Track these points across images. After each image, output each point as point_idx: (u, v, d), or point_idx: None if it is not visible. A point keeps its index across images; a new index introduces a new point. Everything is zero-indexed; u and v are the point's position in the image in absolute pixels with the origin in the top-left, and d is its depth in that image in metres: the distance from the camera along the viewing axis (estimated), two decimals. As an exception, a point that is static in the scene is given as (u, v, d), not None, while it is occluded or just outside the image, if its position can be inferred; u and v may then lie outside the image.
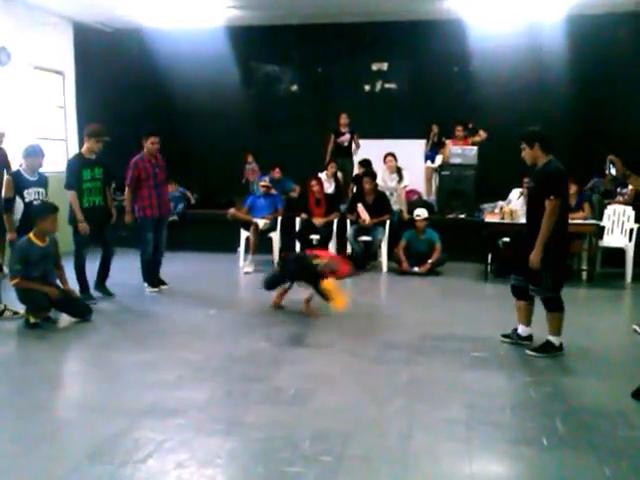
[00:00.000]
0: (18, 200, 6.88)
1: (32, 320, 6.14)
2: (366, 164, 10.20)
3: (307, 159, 10.84)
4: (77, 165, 7.17)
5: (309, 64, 12.07)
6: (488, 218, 8.89)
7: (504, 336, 5.79)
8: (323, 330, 6.22)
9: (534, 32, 10.66)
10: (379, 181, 9.81)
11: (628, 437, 3.86)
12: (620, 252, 8.76)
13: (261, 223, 9.35)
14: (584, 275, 8.70)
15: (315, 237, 9.49)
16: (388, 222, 9.40)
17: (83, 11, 10.69)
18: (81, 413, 4.23)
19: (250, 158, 11.51)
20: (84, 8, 10.47)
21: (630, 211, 8.90)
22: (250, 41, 11.77)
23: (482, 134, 10.71)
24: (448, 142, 10.64)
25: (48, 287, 6.23)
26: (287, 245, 9.66)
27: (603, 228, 8.91)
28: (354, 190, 10.30)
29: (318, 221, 9.61)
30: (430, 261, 9.00)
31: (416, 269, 8.97)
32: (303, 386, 4.63)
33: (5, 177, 6.93)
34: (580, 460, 3.56)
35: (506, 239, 8.74)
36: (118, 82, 11.63)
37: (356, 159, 10.90)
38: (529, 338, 5.61)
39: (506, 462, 3.63)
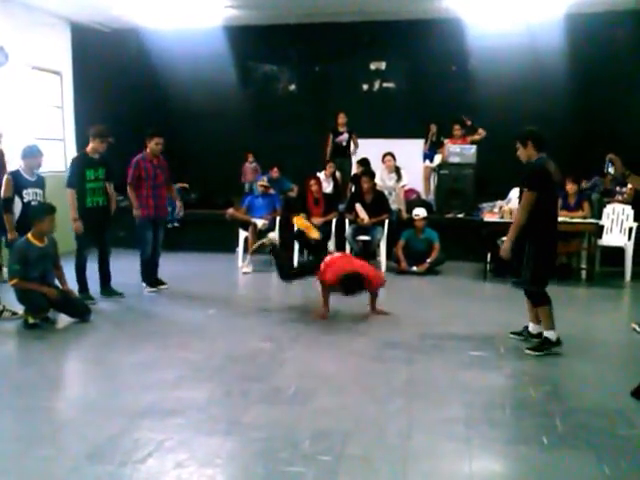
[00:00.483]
0: (17, 200, 6.88)
1: (31, 320, 6.13)
2: (365, 163, 10.18)
3: (305, 159, 10.84)
4: (81, 164, 7.16)
5: (307, 63, 12.06)
6: (487, 217, 8.89)
7: (513, 333, 5.81)
8: (322, 329, 6.22)
9: (532, 31, 10.65)
10: (378, 180, 9.80)
11: (627, 436, 3.86)
12: (619, 251, 8.77)
13: (259, 223, 9.34)
14: (583, 274, 8.70)
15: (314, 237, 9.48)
16: (387, 221, 9.39)
17: (81, 11, 10.68)
18: (80, 413, 4.22)
19: (251, 157, 11.52)
20: (82, 8, 10.46)
21: (629, 210, 8.90)
22: (248, 41, 11.76)
23: (481, 132, 10.69)
24: (447, 142, 10.64)
25: (47, 287, 6.23)
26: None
27: (602, 227, 8.92)
28: (352, 190, 10.29)
29: (317, 221, 9.60)
30: (429, 260, 9.00)
31: (415, 268, 8.97)
32: (302, 386, 4.63)
33: (5, 177, 6.93)
34: (579, 459, 3.56)
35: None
36: (116, 82, 11.61)
37: (354, 158, 10.89)
38: (539, 336, 5.62)
39: (506, 461, 3.63)
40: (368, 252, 9.52)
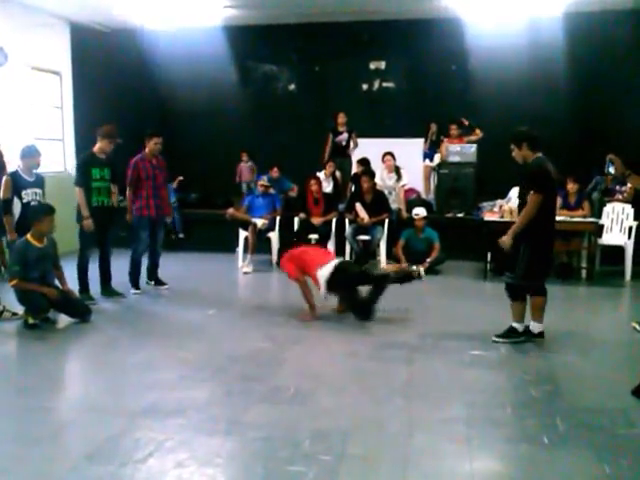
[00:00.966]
0: (16, 201, 6.88)
1: (31, 321, 6.12)
2: (364, 163, 10.18)
3: (305, 158, 10.83)
4: (88, 163, 7.16)
5: (306, 63, 12.05)
6: (487, 216, 8.89)
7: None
8: (322, 329, 6.22)
9: (531, 30, 10.64)
10: (378, 180, 9.80)
11: (628, 435, 3.87)
12: (619, 250, 8.77)
13: (259, 223, 9.34)
14: (583, 273, 8.71)
15: (314, 236, 9.48)
16: (387, 221, 9.39)
17: (80, 11, 10.67)
18: (81, 413, 4.22)
19: (245, 157, 11.52)
20: (81, 8, 10.45)
21: (629, 209, 8.91)
22: (247, 40, 11.75)
23: (478, 132, 10.69)
24: (445, 140, 10.64)
25: (47, 288, 6.22)
26: (286, 245, 9.65)
27: (602, 226, 8.92)
28: (352, 189, 10.29)
29: (317, 220, 9.61)
30: (429, 260, 9.00)
31: (415, 268, 8.96)
32: (303, 385, 4.63)
33: (4, 178, 6.93)
34: (580, 458, 3.56)
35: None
36: (115, 82, 11.60)
37: (354, 158, 10.88)
38: (541, 335, 5.67)
39: (506, 460, 3.63)
40: (368, 252, 9.53)
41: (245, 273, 9.02)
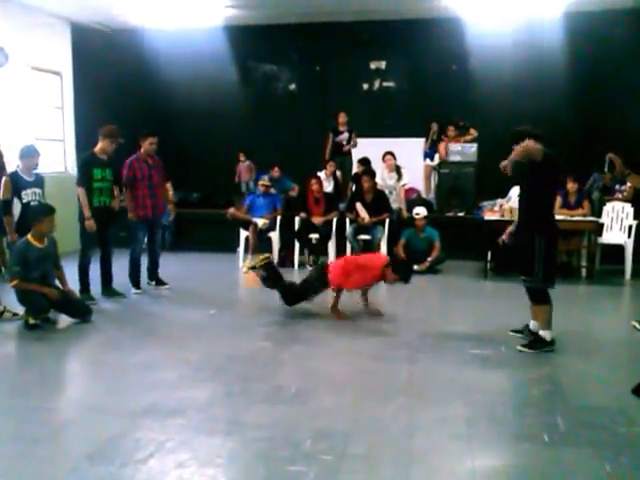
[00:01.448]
0: (15, 201, 6.88)
1: (32, 321, 6.12)
2: (365, 163, 10.18)
3: (306, 158, 10.84)
4: (89, 163, 7.16)
5: (307, 63, 12.07)
6: (487, 216, 8.89)
7: (514, 331, 5.81)
8: (323, 329, 6.22)
9: (532, 29, 10.66)
10: (378, 180, 9.81)
11: (628, 433, 3.87)
12: (619, 249, 8.77)
13: (260, 222, 9.35)
14: (583, 272, 8.71)
15: (314, 236, 9.49)
16: (387, 221, 9.40)
17: (81, 11, 10.68)
18: (81, 414, 4.22)
19: (242, 156, 11.54)
20: (82, 8, 10.46)
21: (629, 208, 8.92)
22: (248, 40, 11.76)
23: (473, 132, 10.73)
24: (444, 140, 10.66)
25: (47, 288, 6.22)
26: (286, 244, 9.67)
27: (602, 225, 8.92)
28: (353, 189, 10.30)
29: (317, 220, 9.61)
30: (430, 259, 9.01)
31: (416, 267, 8.95)
32: (303, 385, 4.63)
33: (3, 179, 6.93)
34: (581, 456, 3.56)
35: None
36: (116, 82, 11.61)
37: (354, 157, 10.88)
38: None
39: (508, 459, 3.62)
40: (369, 251, 9.53)
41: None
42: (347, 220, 9.57)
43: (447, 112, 10.94)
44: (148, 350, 5.52)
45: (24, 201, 6.88)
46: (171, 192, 10.98)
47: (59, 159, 11.12)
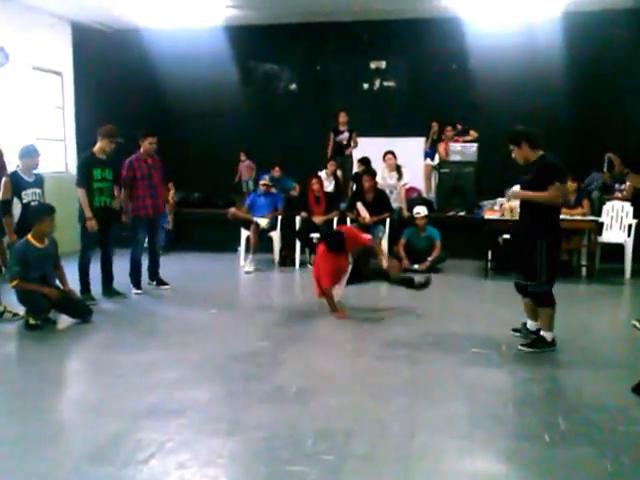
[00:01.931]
0: (15, 201, 6.88)
1: (32, 321, 6.13)
2: (365, 162, 10.18)
3: (306, 158, 10.84)
4: (88, 164, 7.16)
5: (307, 63, 12.05)
6: (488, 215, 8.89)
7: (514, 330, 5.82)
8: (324, 328, 6.23)
9: (531, 29, 10.64)
10: (379, 179, 9.80)
11: (629, 432, 3.87)
12: (619, 248, 8.77)
13: (261, 222, 9.35)
14: (583, 271, 8.71)
15: (315, 236, 9.49)
16: (388, 220, 9.40)
17: (81, 12, 10.67)
18: (82, 414, 4.23)
19: (243, 156, 11.55)
20: (82, 9, 10.45)
21: (629, 207, 8.91)
22: (249, 40, 11.75)
23: (473, 134, 10.74)
24: (444, 140, 10.67)
25: (48, 288, 6.23)
26: (287, 244, 9.68)
27: (602, 224, 8.92)
28: (354, 188, 10.29)
29: (318, 219, 9.61)
30: (430, 258, 9.02)
31: (416, 266, 8.98)
32: (304, 385, 4.63)
33: (3, 180, 6.91)
34: (582, 455, 3.56)
35: (506, 236, 8.74)
36: (117, 82, 11.61)
37: (354, 156, 10.88)
38: (537, 332, 5.62)
39: (508, 458, 3.62)
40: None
41: (247, 272, 9.03)
42: (348, 219, 9.57)
43: (447, 112, 10.93)
44: (149, 350, 5.52)
45: (24, 201, 6.86)
46: (172, 192, 11.02)
47: (59, 159, 11.11)
